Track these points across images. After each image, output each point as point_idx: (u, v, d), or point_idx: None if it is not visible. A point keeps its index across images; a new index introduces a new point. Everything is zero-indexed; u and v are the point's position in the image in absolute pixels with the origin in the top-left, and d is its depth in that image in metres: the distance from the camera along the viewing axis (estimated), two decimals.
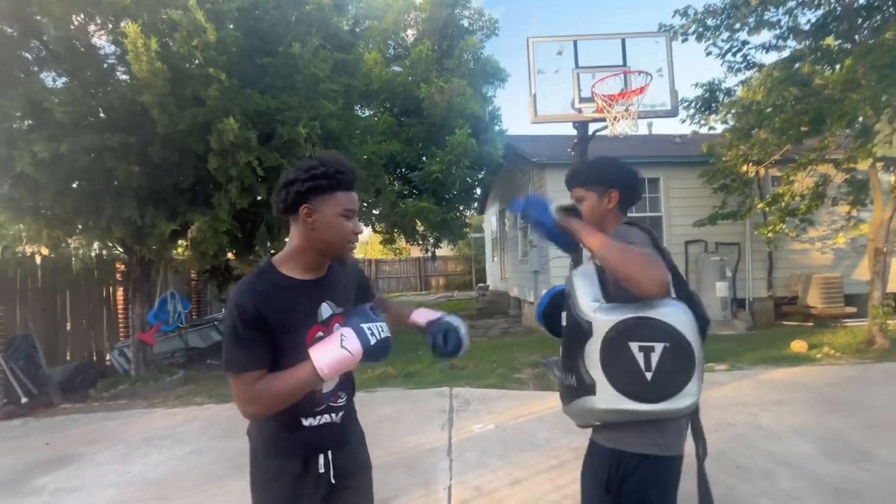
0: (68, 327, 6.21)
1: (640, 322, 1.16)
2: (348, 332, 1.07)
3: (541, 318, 1.60)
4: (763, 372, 4.97)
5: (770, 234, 6.96)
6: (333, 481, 1.22)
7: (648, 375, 1.15)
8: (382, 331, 1.10)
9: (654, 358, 1.14)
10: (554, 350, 6.08)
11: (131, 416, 4.55)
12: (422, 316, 1.41)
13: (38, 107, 4.25)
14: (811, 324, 7.68)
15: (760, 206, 7.19)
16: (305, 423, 1.18)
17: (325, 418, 1.21)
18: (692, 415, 1.27)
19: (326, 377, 1.06)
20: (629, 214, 1.48)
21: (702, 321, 1.24)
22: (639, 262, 1.14)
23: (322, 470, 1.20)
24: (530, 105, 4.62)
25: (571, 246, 1.48)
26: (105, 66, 5.03)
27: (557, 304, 1.46)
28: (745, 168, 7.24)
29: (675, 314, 1.16)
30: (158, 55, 4.07)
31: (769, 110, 6.21)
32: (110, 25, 4.87)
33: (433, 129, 9.81)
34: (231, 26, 4.70)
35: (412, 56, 10.54)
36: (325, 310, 1.21)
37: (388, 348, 1.11)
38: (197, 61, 4.30)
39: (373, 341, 1.07)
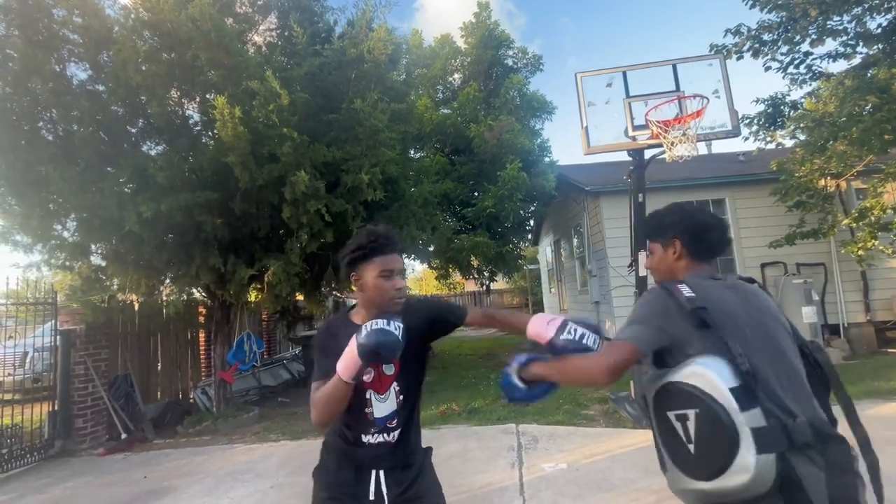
0: (159, 367, 6.79)
1: (666, 388, 1.08)
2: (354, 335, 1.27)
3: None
4: (869, 407, 4.42)
5: (861, 252, 6.34)
6: (386, 499, 1.37)
7: (691, 447, 1.03)
8: (374, 325, 1.21)
9: (691, 427, 1.03)
10: (623, 385, 5.81)
11: (215, 451, 4.84)
12: (536, 328, 1.31)
13: (143, 173, 4.90)
14: None
15: (846, 221, 6.61)
16: (364, 439, 1.39)
17: (381, 437, 1.39)
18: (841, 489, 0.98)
19: (345, 376, 1.24)
20: None
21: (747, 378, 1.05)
22: (574, 370, 1.16)
23: (373, 486, 1.37)
24: (583, 137, 4.66)
25: (549, 389, 1.31)
26: (194, 132, 5.73)
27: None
28: (822, 182, 6.74)
29: (701, 374, 1.03)
30: (241, 121, 4.59)
31: (843, 120, 5.82)
32: (198, 98, 5.58)
33: (484, 165, 10.06)
34: (299, 89, 5.21)
35: (460, 98, 11.02)
36: None
37: (379, 342, 1.19)
38: (273, 122, 4.79)
39: (361, 338, 1.20)
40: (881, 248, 6.39)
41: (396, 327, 1.23)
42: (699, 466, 1.03)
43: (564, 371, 1.20)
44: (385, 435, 1.38)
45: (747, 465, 0.98)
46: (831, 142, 6.12)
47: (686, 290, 1.16)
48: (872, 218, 6.13)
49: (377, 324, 1.22)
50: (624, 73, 4.73)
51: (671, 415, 1.06)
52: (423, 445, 1.52)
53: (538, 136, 11.13)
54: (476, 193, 10.24)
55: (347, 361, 1.23)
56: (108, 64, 5.02)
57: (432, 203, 7.43)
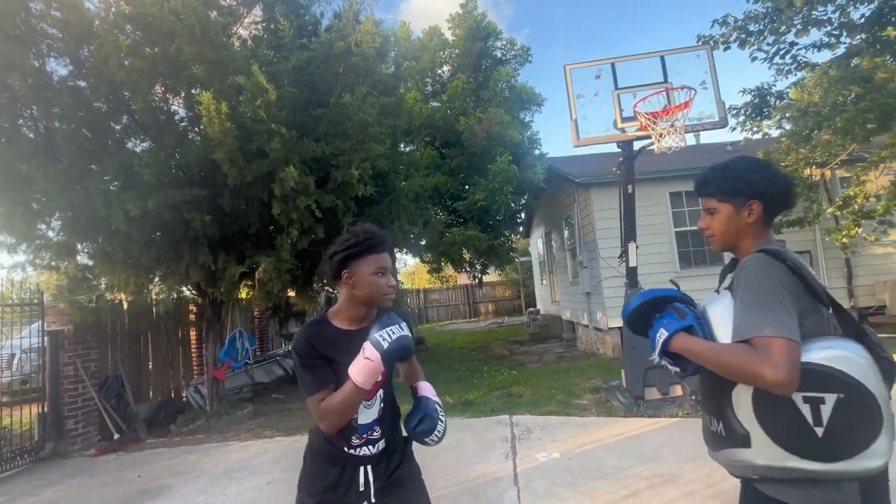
0: (150, 366, 6.73)
1: (801, 370, 0.98)
2: (366, 344, 1.28)
3: (626, 319, 1.33)
4: None
5: (845, 240, 6.47)
6: (373, 487, 1.41)
7: (819, 431, 0.98)
8: (393, 333, 1.28)
9: (825, 411, 0.97)
10: (615, 374, 5.89)
11: (209, 449, 4.82)
12: (423, 388, 1.57)
13: (128, 170, 4.82)
14: None
15: (830, 210, 6.73)
16: (347, 451, 1.41)
17: (364, 450, 1.42)
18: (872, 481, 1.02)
19: (362, 384, 1.26)
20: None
21: (886, 363, 1.02)
22: (741, 370, 1.01)
23: (362, 478, 1.40)
24: (572, 129, 4.68)
25: (697, 371, 1.20)
26: (181, 129, 5.63)
27: (648, 312, 1.24)
28: (807, 171, 6.84)
29: (847, 359, 0.99)
30: (228, 116, 4.53)
31: (828, 110, 5.90)
32: (183, 94, 5.48)
33: (474, 158, 10.05)
34: (287, 83, 5.14)
35: (449, 91, 10.96)
36: None
37: (403, 345, 1.29)
38: (260, 118, 4.73)
39: (385, 345, 1.26)
40: (864, 235, 6.52)
41: (405, 328, 1.32)
42: (825, 449, 0.98)
43: (727, 367, 1.05)
44: (369, 447, 1.42)
45: (883, 450, 0.98)
46: (816, 131, 6.21)
47: (809, 268, 1.10)
48: (856, 206, 6.25)
49: (394, 331, 1.28)
50: (612, 65, 4.75)
51: (797, 396, 0.98)
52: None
53: (528, 129, 11.13)
54: (467, 187, 10.23)
55: (368, 370, 1.25)
56: (89, 59, 4.90)
57: (423, 197, 7.40)
